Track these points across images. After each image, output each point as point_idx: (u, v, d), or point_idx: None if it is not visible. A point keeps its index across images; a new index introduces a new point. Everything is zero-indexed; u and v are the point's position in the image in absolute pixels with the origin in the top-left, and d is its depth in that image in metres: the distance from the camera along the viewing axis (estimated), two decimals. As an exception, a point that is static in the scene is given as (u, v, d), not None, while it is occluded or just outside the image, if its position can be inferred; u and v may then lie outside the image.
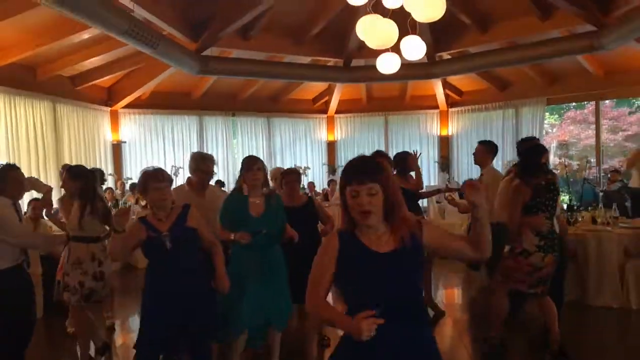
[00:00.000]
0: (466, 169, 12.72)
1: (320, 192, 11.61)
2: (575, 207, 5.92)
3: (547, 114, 16.84)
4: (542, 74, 11.14)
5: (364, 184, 1.73)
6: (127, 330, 5.14)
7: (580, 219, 5.66)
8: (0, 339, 3.44)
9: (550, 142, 19.15)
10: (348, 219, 1.83)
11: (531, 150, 4.04)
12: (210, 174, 4.08)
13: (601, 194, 8.44)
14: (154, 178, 2.98)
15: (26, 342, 3.52)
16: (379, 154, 3.59)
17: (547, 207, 3.81)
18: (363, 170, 1.77)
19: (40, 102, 8.87)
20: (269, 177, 3.95)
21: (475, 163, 5.19)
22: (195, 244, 3.05)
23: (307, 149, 13.67)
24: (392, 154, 13.56)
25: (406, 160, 5.13)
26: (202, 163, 4.05)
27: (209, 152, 12.64)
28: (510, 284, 3.87)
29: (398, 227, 1.79)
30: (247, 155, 3.82)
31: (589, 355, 4.15)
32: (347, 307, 1.81)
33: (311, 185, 11.58)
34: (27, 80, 8.53)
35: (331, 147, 13.75)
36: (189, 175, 4.07)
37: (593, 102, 12.08)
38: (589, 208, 6.05)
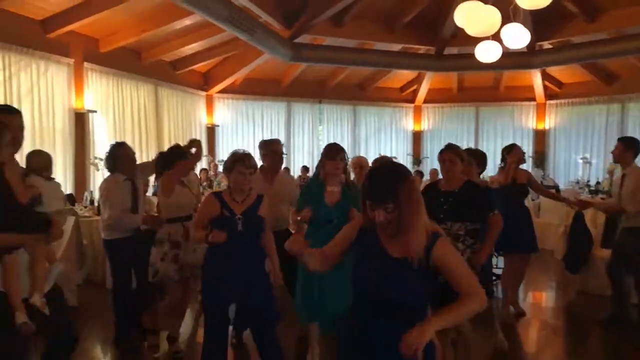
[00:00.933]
0: (563, 166, 12.00)
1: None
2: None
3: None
4: (656, 66, 10.21)
5: (379, 205, 1.79)
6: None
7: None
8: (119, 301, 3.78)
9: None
10: (369, 223, 1.89)
11: None
12: (280, 154, 4.14)
13: None
14: (241, 161, 3.05)
15: (141, 307, 3.78)
16: (448, 148, 3.41)
17: None
18: (378, 191, 1.81)
19: (144, 85, 9.46)
20: (349, 167, 3.89)
21: (615, 162, 4.82)
22: (261, 232, 3.14)
23: (392, 138, 13.52)
24: (482, 146, 13.23)
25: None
26: (270, 145, 4.12)
27: (296, 139, 12.96)
28: None
29: (411, 238, 1.80)
30: (330, 142, 3.77)
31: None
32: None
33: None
34: (132, 63, 9.11)
35: (417, 137, 13.50)
36: (261, 163, 4.11)
37: None
38: None
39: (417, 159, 13.21)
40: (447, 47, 10.27)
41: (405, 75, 12.73)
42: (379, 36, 10.02)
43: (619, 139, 4.71)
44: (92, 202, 6.51)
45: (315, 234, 3.35)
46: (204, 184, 8.93)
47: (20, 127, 2.44)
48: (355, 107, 13.18)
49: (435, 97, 13.12)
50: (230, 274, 3.00)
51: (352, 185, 3.65)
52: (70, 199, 6.65)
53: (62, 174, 7.41)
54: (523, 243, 4.70)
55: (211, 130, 11.70)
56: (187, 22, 8.20)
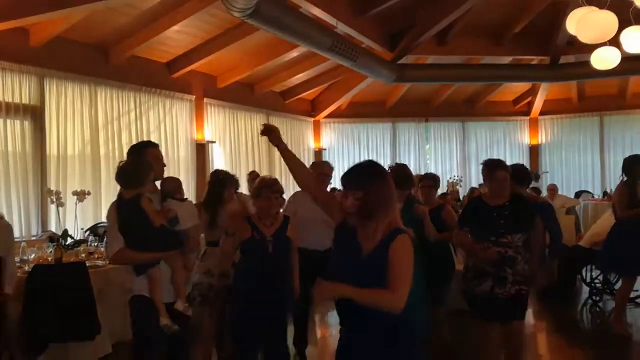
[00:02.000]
0: None
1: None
2: None
3: None
4: None
5: (350, 191, 1.97)
6: (326, 325, 5.49)
7: None
8: None
9: None
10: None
11: None
12: (327, 175, 4.26)
13: None
14: (268, 187, 3.25)
15: None
16: (501, 166, 3.49)
17: None
18: (350, 179, 2.01)
19: (257, 115, 10.07)
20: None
21: None
22: (290, 252, 3.33)
23: (505, 153, 12.86)
24: (608, 158, 12.17)
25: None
26: (319, 167, 4.41)
27: (402, 159, 12.96)
28: None
29: (374, 231, 1.96)
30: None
31: None
32: None
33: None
34: (246, 96, 9.76)
35: (534, 151, 12.73)
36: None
37: None
38: None
39: (535, 174, 12.42)
40: (563, 56, 9.65)
41: (518, 87, 12.14)
42: (487, 50, 9.69)
43: None
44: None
45: None
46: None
47: (159, 158, 2.94)
48: (464, 123, 12.79)
49: (553, 108, 12.32)
50: (258, 296, 3.16)
51: (412, 198, 3.89)
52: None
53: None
54: None
55: (319, 154, 12.06)
56: (294, 53, 8.63)
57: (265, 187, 3.27)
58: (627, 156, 4.77)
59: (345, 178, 2.02)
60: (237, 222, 3.39)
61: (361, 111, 12.09)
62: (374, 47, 8.60)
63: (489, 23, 9.17)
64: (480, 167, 3.64)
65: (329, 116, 12.10)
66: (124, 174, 2.70)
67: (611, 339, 4.91)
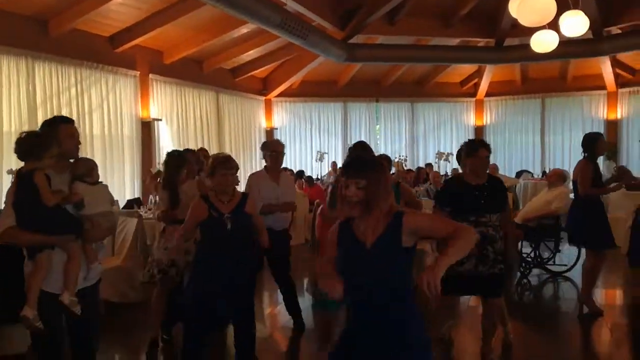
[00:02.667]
0: (638, 158, 11.27)
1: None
2: None
3: None
4: None
5: (353, 178, 1.95)
6: (275, 302, 5.52)
7: None
8: None
9: None
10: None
11: None
12: (281, 152, 4.33)
13: None
14: (223, 164, 3.19)
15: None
16: (484, 145, 3.56)
17: None
18: (353, 167, 2.01)
19: (206, 93, 9.86)
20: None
21: None
22: (249, 228, 3.32)
23: (452, 134, 13.24)
24: (549, 139, 12.72)
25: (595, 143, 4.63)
26: (271, 145, 4.39)
27: (353, 138, 13.09)
28: None
29: (377, 220, 1.95)
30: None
31: None
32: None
33: (455, 172, 11.23)
34: (194, 73, 9.53)
35: (479, 132, 13.13)
36: (265, 163, 4.37)
37: None
38: None
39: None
40: (508, 39, 9.93)
41: (465, 69, 12.43)
42: (435, 31, 9.86)
43: None
44: (156, 204, 6.87)
45: None
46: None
47: (72, 135, 2.66)
48: (413, 103, 13.03)
49: (498, 89, 12.72)
50: (218, 272, 3.15)
51: (395, 182, 3.72)
52: (137, 202, 7.08)
53: (130, 178, 7.92)
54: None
55: (270, 133, 11.99)
56: (244, 30, 8.47)
57: (220, 164, 3.22)
58: (586, 133, 4.89)
59: (349, 167, 2.02)
60: (194, 204, 3.30)
61: (313, 90, 12.07)
62: (325, 25, 8.57)
63: (438, 4, 9.31)
64: (462, 145, 3.69)
65: (280, 95, 12.01)
66: (21, 145, 2.49)
67: (538, 310, 5.19)
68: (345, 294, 1.89)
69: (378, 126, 12.93)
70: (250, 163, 11.06)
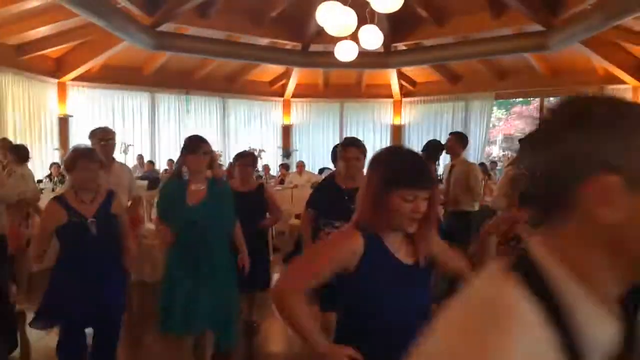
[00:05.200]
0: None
1: (276, 175, 11.66)
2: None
3: (495, 108, 17.53)
4: (492, 70, 11.55)
5: (425, 190, 1.59)
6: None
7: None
8: None
9: (497, 135, 19.93)
10: (378, 220, 1.60)
11: None
12: (109, 140, 4.01)
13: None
14: (85, 157, 2.79)
15: None
16: (353, 144, 3.30)
17: None
18: (427, 175, 1.61)
19: (-18, 70, 8.45)
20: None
21: (447, 153, 5.30)
22: (118, 232, 2.91)
23: (262, 131, 13.65)
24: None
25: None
26: (99, 134, 4.00)
27: (161, 131, 12.55)
28: None
29: (423, 238, 1.65)
30: (193, 134, 3.36)
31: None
32: (345, 318, 1.66)
33: (267, 168, 11.62)
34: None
35: (286, 130, 13.78)
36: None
37: (538, 99, 12.66)
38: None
39: (287, 152, 13.48)
40: (313, 44, 10.60)
41: (274, 69, 12.87)
42: (246, 29, 10.02)
43: (451, 133, 5.37)
44: None
45: (181, 240, 3.06)
46: (55, 179, 8.24)
47: None
48: (225, 99, 13.04)
49: (304, 92, 13.48)
50: (85, 284, 2.73)
51: (219, 179, 3.35)
52: None
53: None
54: None
55: (64, 121, 10.79)
56: (35, 3, 7.48)
57: (82, 156, 2.74)
58: (429, 140, 5.43)
59: (421, 176, 1.59)
60: (47, 208, 2.75)
61: (116, 76, 11.20)
62: (131, 8, 8.06)
63: (249, 4, 9.49)
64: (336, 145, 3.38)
65: (77, 79, 10.86)
66: None
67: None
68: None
69: (188, 119, 12.62)
70: (40, 154, 9.82)
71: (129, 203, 4.25)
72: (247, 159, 4.17)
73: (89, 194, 2.83)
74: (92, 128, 4.18)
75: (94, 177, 2.84)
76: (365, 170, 1.79)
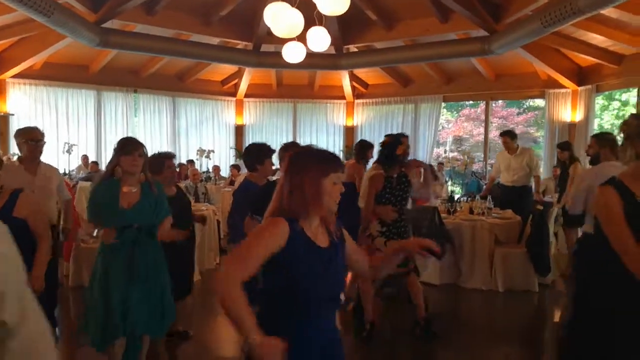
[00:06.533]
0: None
1: (226, 176, 11.54)
2: (456, 198, 6.46)
3: (444, 110, 17.99)
4: (440, 73, 11.85)
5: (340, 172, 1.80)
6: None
7: (459, 209, 6.16)
8: None
9: (446, 137, 20.44)
10: (308, 206, 1.73)
11: (388, 144, 4.19)
12: (38, 140, 3.85)
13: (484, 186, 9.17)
14: None
15: None
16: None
17: (396, 197, 4.09)
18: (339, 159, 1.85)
19: None
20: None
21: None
22: (24, 239, 2.56)
23: (214, 131, 13.46)
24: (300, 141, 13.88)
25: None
26: (27, 133, 3.85)
27: (107, 130, 12.15)
28: None
29: (331, 221, 1.82)
30: (126, 136, 3.37)
31: (459, 331, 4.59)
32: (274, 302, 1.74)
33: (216, 168, 11.48)
34: None
35: (239, 130, 13.65)
36: (19, 154, 3.93)
37: (485, 102, 13.09)
38: (469, 199, 6.59)
39: (239, 152, 13.35)
40: (265, 44, 10.55)
41: (226, 68, 12.74)
42: (196, 28, 9.88)
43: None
44: None
45: (115, 243, 3.02)
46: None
47: None
48: (175, 98, 12.78)
49: (256, 91, 13.40)
50: None
51: (153, 182, 3.22)
52: None
53: None
54: None
55: (3, 119, 10.31)
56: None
57: None
58: (359, 141, 5.61)
59: (337, 160, 1.81)
60: None
61: (60, 74, 10.80)
62: (74, 4, 7.82)
63: (197, 1, 9.36)
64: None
65: (17, 76, 10.42)
66: None
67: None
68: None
69: (137, 118, 12.31)
70: (-24, 153, 9.34)
71: (61, 208, 4.11)
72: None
73: None
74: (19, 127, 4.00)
75: None
76: (281, 165, 1.85)
